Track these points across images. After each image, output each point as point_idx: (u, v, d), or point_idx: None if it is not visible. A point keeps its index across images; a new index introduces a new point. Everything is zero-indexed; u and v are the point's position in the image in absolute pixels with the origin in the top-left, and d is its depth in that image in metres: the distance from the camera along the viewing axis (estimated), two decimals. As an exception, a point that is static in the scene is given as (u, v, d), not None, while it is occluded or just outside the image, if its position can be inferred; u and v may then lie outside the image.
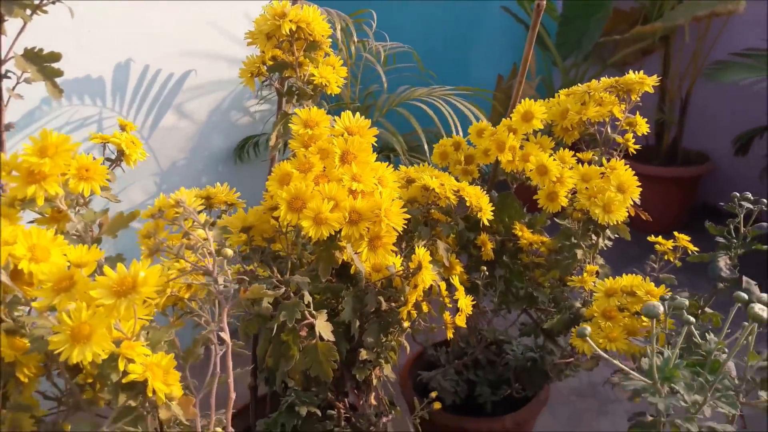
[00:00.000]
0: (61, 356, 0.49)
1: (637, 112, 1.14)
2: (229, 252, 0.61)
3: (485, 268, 1.15)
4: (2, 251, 0.52)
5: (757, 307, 0.56)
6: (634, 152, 1.14)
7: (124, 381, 0.56)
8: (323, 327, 0.79)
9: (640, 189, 1.05)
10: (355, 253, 0.77)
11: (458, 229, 1.03)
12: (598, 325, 0.98)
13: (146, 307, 0.57)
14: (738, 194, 0.93)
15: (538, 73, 2.79)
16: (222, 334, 0.59)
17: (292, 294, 0.78)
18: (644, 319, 0.96)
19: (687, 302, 0.65)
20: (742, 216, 0.93)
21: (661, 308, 0.60)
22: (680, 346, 0.62)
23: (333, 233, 0.73)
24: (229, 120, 1.89)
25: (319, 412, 1.07)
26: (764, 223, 0.91)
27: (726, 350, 0.64)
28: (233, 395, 0.63)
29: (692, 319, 0.62)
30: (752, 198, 0.93)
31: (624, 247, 1.36)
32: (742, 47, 2.36)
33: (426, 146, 1.71)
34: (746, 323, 0.65)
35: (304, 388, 1.08)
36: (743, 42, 2.38)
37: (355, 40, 1.79)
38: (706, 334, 0.67)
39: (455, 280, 0.92)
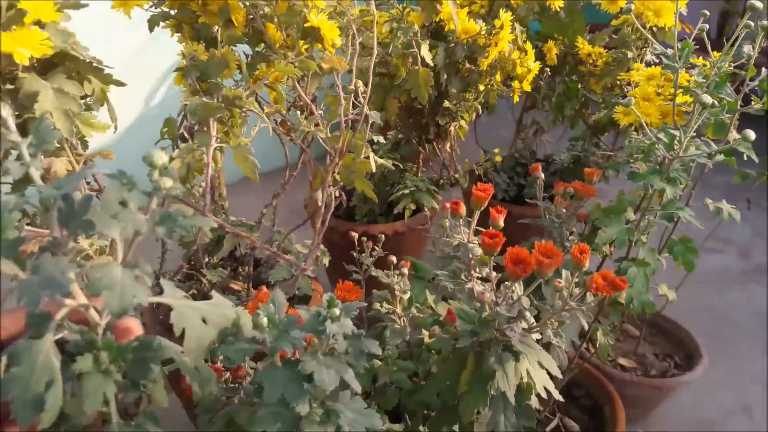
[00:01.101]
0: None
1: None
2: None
3: (548, 70, 1.38)
4: None
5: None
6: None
7: (305, 25, 0.82)
8: (426, 53, 1.04)
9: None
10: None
11: (531, 15, 1.24)
12: (637, 104, 1.21)
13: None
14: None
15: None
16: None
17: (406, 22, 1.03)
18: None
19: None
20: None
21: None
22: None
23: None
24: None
25: (401, 165, 1.35)
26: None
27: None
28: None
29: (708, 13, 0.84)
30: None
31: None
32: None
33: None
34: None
35: (394, 147, 1.36)
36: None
37: None
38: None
39: (528, 45, 1.15)
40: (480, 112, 1.25)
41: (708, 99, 0.76)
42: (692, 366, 1.37)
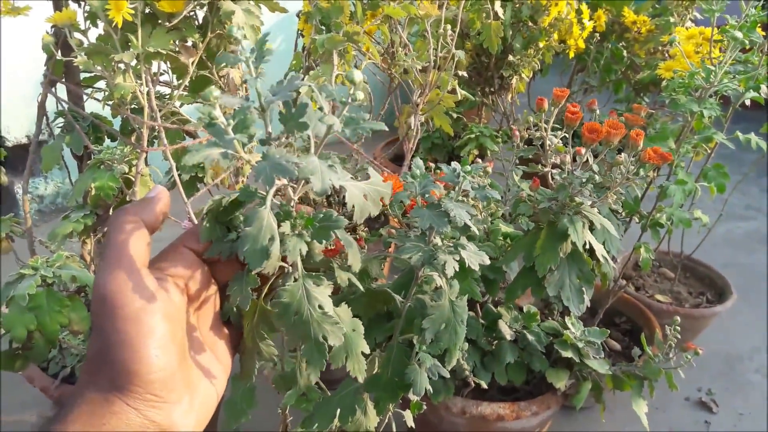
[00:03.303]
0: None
1: None
2: None
3: (598, 35, 1.56)
4: None
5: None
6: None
7: (408, -23, 1.02)
8: (498, 8, 1.23)
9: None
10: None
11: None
12: (679, 61, 1.38)
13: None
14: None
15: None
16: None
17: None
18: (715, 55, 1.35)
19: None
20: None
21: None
22: None
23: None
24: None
25: (464, 118, 1.54)
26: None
27: None
28: None
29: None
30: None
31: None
32: None
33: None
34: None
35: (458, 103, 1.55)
36: None
37: None
38: None
39: (583, 5, 1.34)
40: (538, 68, 1.44)
41: (739, 34, 0.93)
42: (723, 302, 1.53)
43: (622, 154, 0.80)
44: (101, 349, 0.40)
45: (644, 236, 1.25)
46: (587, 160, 0.77)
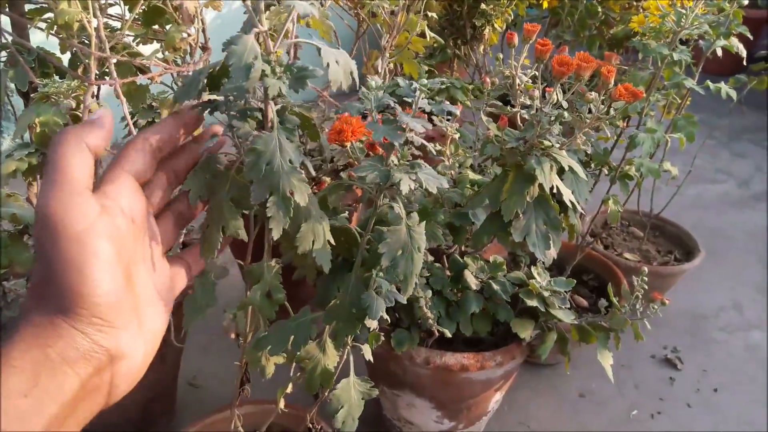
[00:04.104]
0: None
1: None
2: None
3: (572, -12, 1.52)
4: None
5: None
6: None
7: None
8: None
9: None
10: None
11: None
12: (653, 14, 1.35)
13: None
14: None
15: None
16: None
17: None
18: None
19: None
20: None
21: None
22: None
23: None
24: None
25: (435, 71, 1.50)
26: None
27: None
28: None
29: None
30: None
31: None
32: None
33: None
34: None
35: (429, 56, 1.51)
36: None
37: None
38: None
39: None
40: (511, 18, 1.40)
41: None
42: (691, 261, 1.54)
43: (593, 93, 0.77)
44: (45, 272, 0.39)
45: (613, 191, 1.23)
46: (557, 100, 0.74)
